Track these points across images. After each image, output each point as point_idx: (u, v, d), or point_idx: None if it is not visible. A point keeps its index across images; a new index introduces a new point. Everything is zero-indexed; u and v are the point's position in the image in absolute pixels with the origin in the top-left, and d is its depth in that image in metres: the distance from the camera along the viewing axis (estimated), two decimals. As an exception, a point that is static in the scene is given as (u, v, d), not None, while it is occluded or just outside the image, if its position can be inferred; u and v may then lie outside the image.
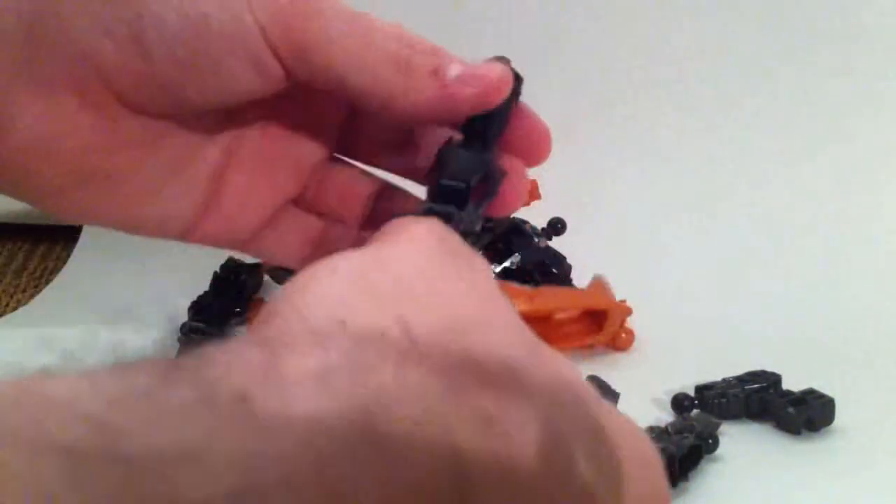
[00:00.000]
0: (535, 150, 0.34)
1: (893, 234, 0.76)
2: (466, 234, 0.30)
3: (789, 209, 0.78)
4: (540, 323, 0.31)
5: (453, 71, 0.32)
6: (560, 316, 0.31)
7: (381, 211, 0.36)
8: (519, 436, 0.21)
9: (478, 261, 0.27)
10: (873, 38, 0.80)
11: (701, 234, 0.78)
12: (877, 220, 0.77)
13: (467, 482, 0.19)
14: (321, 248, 0.36)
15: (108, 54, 0.31)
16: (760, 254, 0.76)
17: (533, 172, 0.35)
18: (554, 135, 0.34)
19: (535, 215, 0.69)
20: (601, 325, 0.32)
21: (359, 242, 0.28)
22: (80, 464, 0.16)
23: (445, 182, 0.31)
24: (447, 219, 0.29)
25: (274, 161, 0.36)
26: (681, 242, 0.78)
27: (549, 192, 0.66)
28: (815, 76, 0.80)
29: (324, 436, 0.18)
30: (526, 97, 0.34)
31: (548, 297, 0.31)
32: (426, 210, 0.30)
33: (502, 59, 0.33)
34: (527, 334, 0.25)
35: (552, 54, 0.83)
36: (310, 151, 0.36)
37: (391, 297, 0.22)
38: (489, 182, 0.32)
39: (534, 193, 0.66)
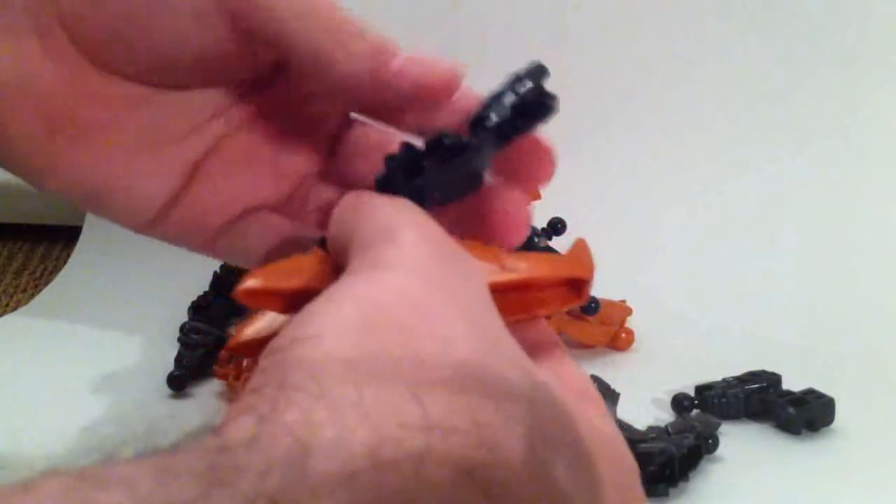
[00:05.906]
0: (537, 172, 0.34)
1: (894, 233, 0.76)
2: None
3: (790, 210, 0.78)
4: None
5: (399, 59, 0.32)
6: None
7: None
8: (509, 450, 0.22)
9: (469, 265, 0.27)
10: (872, 34, 0.80)
11: (701, 234, 0.78)
12: (878, 219, 0.77)
13: None
14: (284, 248, 0.36)
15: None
16: (760, 254, 0.76)
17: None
18: (554, 135, 0.34)
19: (535, 215, 0.69)
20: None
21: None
22: None
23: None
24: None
25: (257, 163, 0.36)
26: (681, 242, 0.78)
27: (549, 193, 0.65)
28: (816, 77, 0.80)
29: None
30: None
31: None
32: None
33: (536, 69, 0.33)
34: (516, 352, 0.25)
35: (551, 54, 0.83)
36: (296, 161, 0.37)
37: (399, 359, 0.23)
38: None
39: (534, 194, 0.66)
